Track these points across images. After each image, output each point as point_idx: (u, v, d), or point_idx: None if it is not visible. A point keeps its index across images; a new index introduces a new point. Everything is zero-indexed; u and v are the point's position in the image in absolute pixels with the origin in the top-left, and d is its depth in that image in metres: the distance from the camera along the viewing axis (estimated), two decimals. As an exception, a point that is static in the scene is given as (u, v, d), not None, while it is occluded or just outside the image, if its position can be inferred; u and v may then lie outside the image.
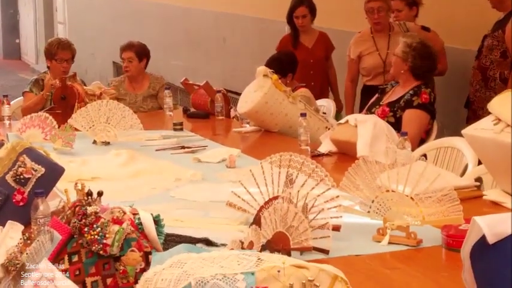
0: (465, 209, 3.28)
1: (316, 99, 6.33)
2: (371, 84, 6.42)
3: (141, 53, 6.82)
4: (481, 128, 3.54)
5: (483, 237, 2.10)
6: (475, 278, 2.16)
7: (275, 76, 5.54)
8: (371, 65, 6.40)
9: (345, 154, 4.66)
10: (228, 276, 1.71)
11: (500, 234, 2.07)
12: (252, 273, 1.73)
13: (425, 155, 4.90)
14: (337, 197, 3.18)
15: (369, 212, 3.24)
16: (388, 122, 5.21)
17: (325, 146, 4.85)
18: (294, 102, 5.53)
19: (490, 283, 2.09)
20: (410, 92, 5.37)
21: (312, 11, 7.01)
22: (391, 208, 3.20)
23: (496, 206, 3.59)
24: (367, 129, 4.60)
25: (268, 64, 5.98)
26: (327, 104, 6.53)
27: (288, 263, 1.75)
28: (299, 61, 6.51)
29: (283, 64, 6.25)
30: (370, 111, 5.51)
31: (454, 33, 6.53)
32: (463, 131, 3.67)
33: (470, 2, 6.38)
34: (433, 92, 5.52)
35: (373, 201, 3.23)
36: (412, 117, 5.34)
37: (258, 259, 1.76)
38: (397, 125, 5.25)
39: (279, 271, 1.73)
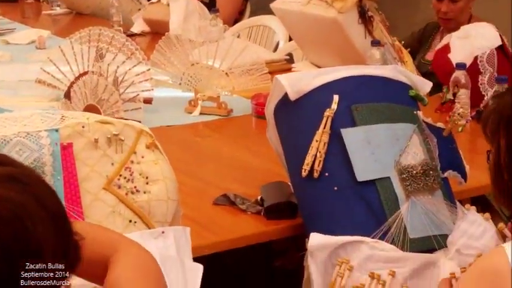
0: (274, 80, 3.35)
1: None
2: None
3: None
4: (288, 1, 3.61)
5: (286, 95, 2.17)
6: (278, 134, 2.24)
7: (85, -44, 5.38)
8: None
9: (158, 33, 4.63)
10: (32, 133, 1.69)
11: (301, 91, 2.15)
12: (56, 130, 1.71)
13: (238, 35, 4.95)
14: (148, 70, 3.18)
15: (180, 84, 3.27)
16: (202, 2, 5.21)
17: (138, 26, 4.81)
18: (105, -17, 5.40)
19: (292, 138, 2.18)
20: (224, -28, 5.37)
21: None
22: (202, 80, 3.24)
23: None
24: (180, 8, 4.58)
25: None
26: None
27: (93, 119, 1.75)
28: None
29: None
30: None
31: None
32: (271, 5, 3.73)
33: None
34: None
35: (184, 74, 3.25)
36: (227, -4, 5.35)
37: (62, 117, 1.74)
38: (211, 5, 5.25)
39: (83, 127, 1.73)
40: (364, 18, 3.35)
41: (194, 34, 4.29)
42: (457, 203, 2.15)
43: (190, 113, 3.20)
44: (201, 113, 3.19)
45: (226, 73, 3.21)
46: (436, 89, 2.96)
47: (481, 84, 3.05)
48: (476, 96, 3.00)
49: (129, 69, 3.10)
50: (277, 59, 3.94)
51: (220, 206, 2.31)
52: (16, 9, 5.65)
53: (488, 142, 1.60)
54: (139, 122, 2.96)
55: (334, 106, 2.11)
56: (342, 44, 3.39)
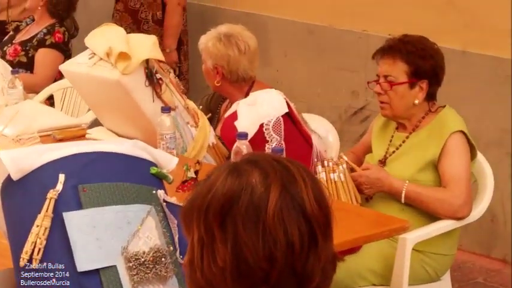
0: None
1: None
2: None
3: None
4: (77, 63, 3.41)
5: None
6: (4, 216, 2.01)
7: None
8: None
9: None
10: None
11: (25, 170, 1.93)
12: None
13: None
14: None
15: None
16: (20, 61, 4.99)
17: None
18: None
19: (14, 222, 1.95)
20: (44, 30, 5.13)
21: None
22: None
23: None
24: (-20, 68, 4.31)
25: None
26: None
27: None
28: None
29: None
30: (2, 50, 5.21)
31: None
32: (60, 67, 3.53)
33: None
34: (71, 32, 5.30)
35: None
36: (45, 57, 5.10)
37: None
38: (29, 65, 5.02)
39: None
40: (152, 81, 3.18)
41: (-7, 97, 4.05)
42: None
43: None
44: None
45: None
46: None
47: (267, 153, 2.90)
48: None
49: None
50: (75, 124, 3.71)
51: None
52: None
53: (185, 237, 1.41)
54: None
55: (60, 186, 1.90)
56: (130, 108, 3.21)
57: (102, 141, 2.06)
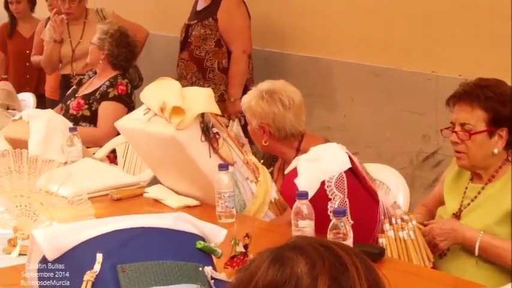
0: (126, 207, 3.04)
1: (32, 91, 5.94)
2: (63, 73, 5.99)
3: None
4: (132, 119, 3.29)
5: (46, 253, 1.81)
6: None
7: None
8: (62, 53, 5.95)
9: (19, 153, 4.27)
10: None
11: (61, 250, 1.80)
12: None
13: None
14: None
15: (-3, 221, 2.90)
16: (83, 115, 4.94)
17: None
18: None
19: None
20: (107, 83, 5.06)
21: None
22: (21, 216, 2.87)
23: (157, 204, 3.34)
24: (40, 126, 4.23)
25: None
26: (27, 99, 6.07)
27: None
28: (14, 52, 6.09)
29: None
30: (65, 104, 5.16)
31: (159, 20, 6.31)
32: (115, 123, 3.42)
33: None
34: (134, 83, 5.22)
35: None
36: (108, 110, 5.02)
37: None
38: (93, 118, 4.96)
39: None
40: (208, 136, 3.03)
41: (55, 154, 3.96)
42: None
43: (9, 253, 2.82)
44: (21, 254, 2.81)
45: (46, 208, 2.84)
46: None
47: (330, 212, 2.71)
48: (325, 226, 2.66)
49: None
50: (132, 182, 3.58)
51: None
52: None
53: None
54: None
55: (97, 267, 1.76)
56: (186, 164, 3.07)
57: (142, 216, 1.89)
